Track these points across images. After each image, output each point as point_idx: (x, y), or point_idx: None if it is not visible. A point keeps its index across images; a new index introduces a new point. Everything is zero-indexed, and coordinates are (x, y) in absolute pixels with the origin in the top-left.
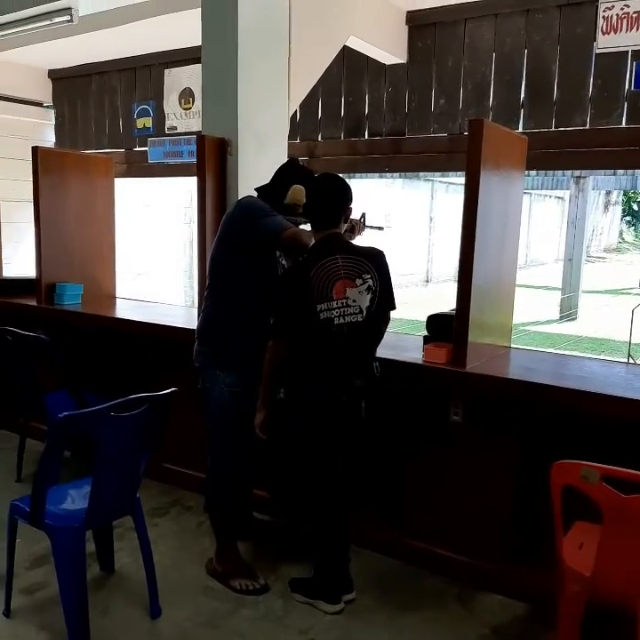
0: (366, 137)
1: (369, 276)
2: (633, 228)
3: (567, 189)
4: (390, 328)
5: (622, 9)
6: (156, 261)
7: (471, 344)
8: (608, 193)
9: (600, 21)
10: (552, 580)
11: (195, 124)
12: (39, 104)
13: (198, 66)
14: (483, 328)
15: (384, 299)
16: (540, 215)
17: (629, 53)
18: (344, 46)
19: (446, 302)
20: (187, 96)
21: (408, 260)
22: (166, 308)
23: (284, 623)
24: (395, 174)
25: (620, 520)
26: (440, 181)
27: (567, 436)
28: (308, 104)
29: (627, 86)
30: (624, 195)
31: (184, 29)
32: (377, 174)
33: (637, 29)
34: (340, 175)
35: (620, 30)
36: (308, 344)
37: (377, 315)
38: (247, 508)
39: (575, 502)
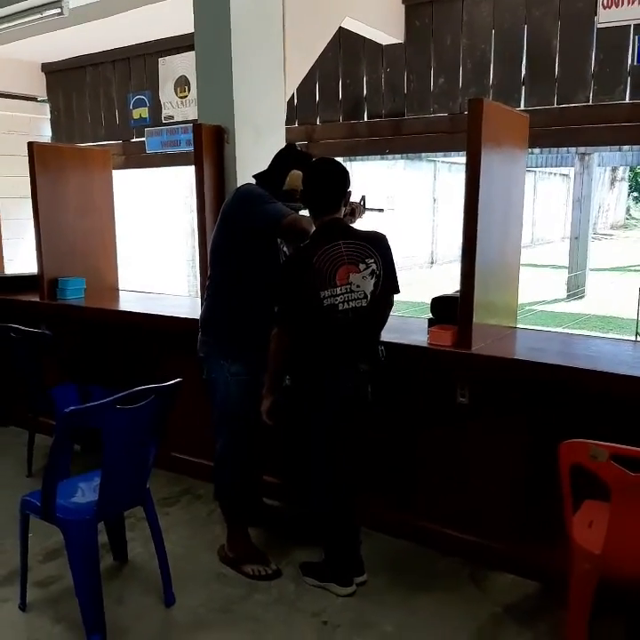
0: (365, 119)
1: (372, 260)
2: None
3: (572, 167)
4: (396, 311)
5: None
6: (159, 252)
7: (476, 325)
8: (614, 169)
9: None
10: (563, 559)
11: (191, 113)
12: (33, 99)
13: (193, 53)
14: (488, 309)
15: (388, 283)
16: (546, 193)
17: (631, 28)
18: (340, 28)
19: (451, 283)
20: (182, 84)
21: (412, 242)
22: (170, 299)
23: (296, 607)
24: (396, 156)
25: (628, 498)
26: (443, 161)
27: (575, 416)
28: (305, 88)
29: (629, 61)
30: (630, 170)
31: (176, 17)
32: (378, 156)
33: (639, 3)
34: (340, 159)
35: (622, 4)
36: (313, 331)
37: (381, 299)
38: (257, 494)
39: (584, 481)
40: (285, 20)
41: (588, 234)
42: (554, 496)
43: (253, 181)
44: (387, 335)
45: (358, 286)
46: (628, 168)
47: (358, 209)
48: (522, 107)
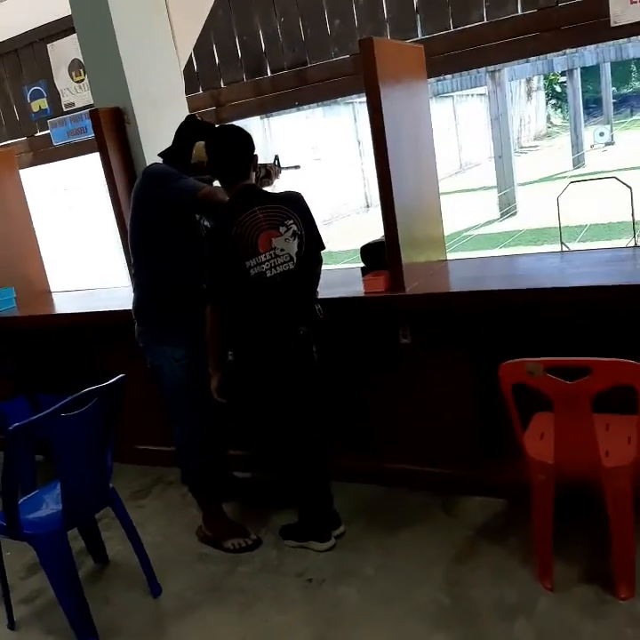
0: (269, 74)
1: (291, 221)
2: (559, 110)
3: (486, 85)
4: (335, 263)
5: None
6: (90, 244)
7: (406, 266)
8: (528, 80)
9: None
10: (523, 473)
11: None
12: None
13: None
14: (414, 247)
15: (311, 241)
16: (466, 116)
17: None
18: None
19: None
20: (76, 68)
21: (344, 188)
22: (106, 293)
23: (280, 571)
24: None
25: (568, 406)
26: (360, 102)
27: (513, 336)
28: (202, 52)
29: None
30: (545, 79)
31: None
32: (293, 109)
33: None
34: (254, 118)
35: None
36: (246, 302)
37: (307, 258)
38: (226, 469)
39: (532, 395)
40: None
41: (510, 150)
42: (506, 416)
43: (160, 160)
44: (324, 291)
45: (282, 250)
46: (543, 77)
47: (274, 170)
48: (419, 36)
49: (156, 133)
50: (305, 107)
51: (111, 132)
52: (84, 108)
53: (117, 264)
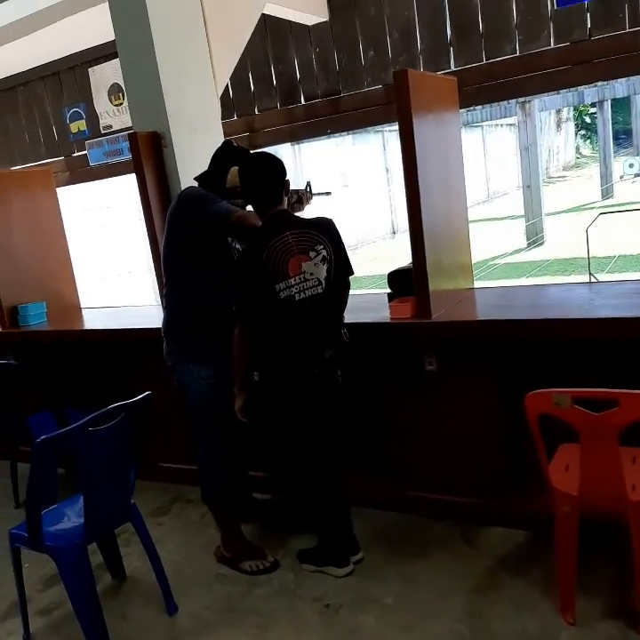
0: (303, 102)
1: (322, 246)
2: (588, 141)
3: (516, 116)
4: (363, 286)
5: None
6: (122, 263)
7: (433, 293)
8: (558, 111)
9: None
10: (546, 505)
11: (129, 120)
12: None
13: None
14: (442, 274)
15: (341, 266)
16: (495, 145)
17: None
18: (263, 15)
19: None
20: (116, 92)
21: (371, 215)
22: (135, 311)
23: (298, 595)
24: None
25: (594, 437)
26: (390, 131)
27: (540, 365)
28: (238, 80)
29: (549, 6)
30: (574, 110)
31: (101, 24)
32: (323, 137)
33: None
34: (285, 145)
35: None
36: (274, 324)
37: (336, 283)
38: (246, 490)
39: (558, 426)
40: (205, 14)
41: (539, 180)
42: (530, 446)
43: (195, 183)
44: (350, 316)
45: (312, 274)
46: (572, 108)
47: (305, 196)
48: (452, 68)
49: (191, 158)
50: (336, 134)
51: (148, 155)
52: (121, 130)
53: (145, 283)
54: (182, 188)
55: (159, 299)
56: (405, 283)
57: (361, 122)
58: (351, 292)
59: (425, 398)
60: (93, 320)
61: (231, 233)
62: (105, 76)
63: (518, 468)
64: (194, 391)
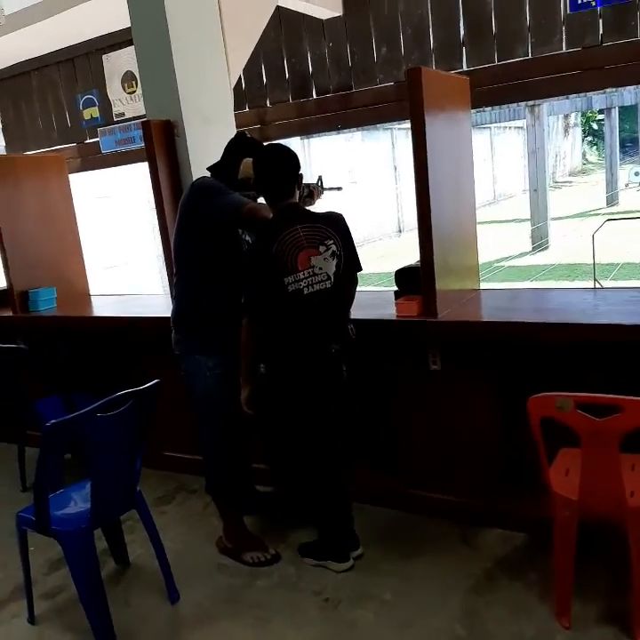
0: (314, 96)
1: (331, 241)
2: (595, 147)
3: (524, 119)
4: (371, 283)
5: None
6: (128, 251)
7: (440, 292)
8: (566, 116)
9: None
10: (546, 508)
11: (142, 108)
12: None
13: None
14: (449, 274)
15: (349, 261)
16: (503, 148)
17: None
18: (278, 7)
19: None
20: (129, 79)
21: (378, 212)
22: (143, 299)
23: (298, 588)
24: (352, 128)
25: (596, 442)
26: (399, 128)
27: (544, 369)
28: (251, 71)
29: (562, 10)
30: (582, 116)
31: (116, 11)
32: (333, 132)
33: None
34: (295, 138)
35: None
36: (281, 317)
37: (344, 278)
38: (249, 482)
39: (559, 430)
40: (221, 5)
41: (545, 185)
42: (531, 449)
43: (208, 173)
44: (356, 312)
45: (321, 269)
46: (580, 114)
47: (316, 190)
48: (464, 67)
49: (203, 147)
50: (345, 130)
51: (161, 143)
52: (134, 118)
53: (153, 271)
54: (194, 178)
55: (167, 288)
56: (413, 281)
57: (372, 118)
58: (357, 288)
59: (427, 397)
60: (102, 307)
61: (242, 225)
62: (119, 63)
63: (518, 470)
64: (200, 382)
